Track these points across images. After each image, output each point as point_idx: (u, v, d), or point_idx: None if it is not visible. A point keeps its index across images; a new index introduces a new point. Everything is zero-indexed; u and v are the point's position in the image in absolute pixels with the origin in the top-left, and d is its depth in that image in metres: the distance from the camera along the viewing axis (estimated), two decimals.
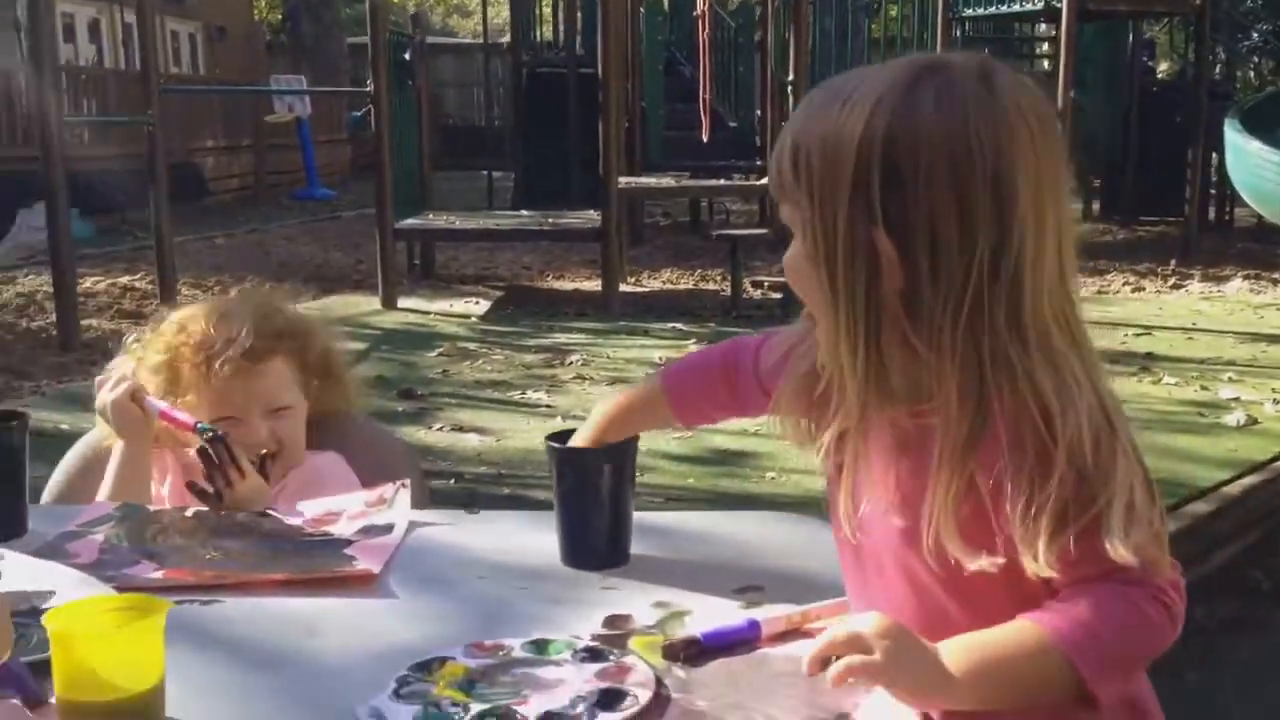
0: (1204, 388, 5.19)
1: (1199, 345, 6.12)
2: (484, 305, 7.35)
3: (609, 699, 1.04)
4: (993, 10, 10.15)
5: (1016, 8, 9.85)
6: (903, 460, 1.11)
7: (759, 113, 10.55)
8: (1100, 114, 11.10)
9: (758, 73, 10.57)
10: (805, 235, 1.08)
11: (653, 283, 8.38)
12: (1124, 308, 7.28)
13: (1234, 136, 8.69)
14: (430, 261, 8.54)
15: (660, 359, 5.52)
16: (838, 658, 1.01)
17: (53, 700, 1.00)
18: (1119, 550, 0.99)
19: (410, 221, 7.81)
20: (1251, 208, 9.40)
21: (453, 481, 3.91)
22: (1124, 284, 8.15)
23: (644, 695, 1.04)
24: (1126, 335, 6.30)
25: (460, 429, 4.52)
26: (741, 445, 4.19)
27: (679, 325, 6.61)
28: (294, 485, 1.73)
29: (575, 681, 1.07)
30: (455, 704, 1.03)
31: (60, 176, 5.95)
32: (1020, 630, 1.02)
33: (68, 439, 1.91)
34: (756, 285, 7.62)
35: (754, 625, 1.17)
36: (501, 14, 19.07)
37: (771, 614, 1.20)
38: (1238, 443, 4.38)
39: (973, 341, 1.03)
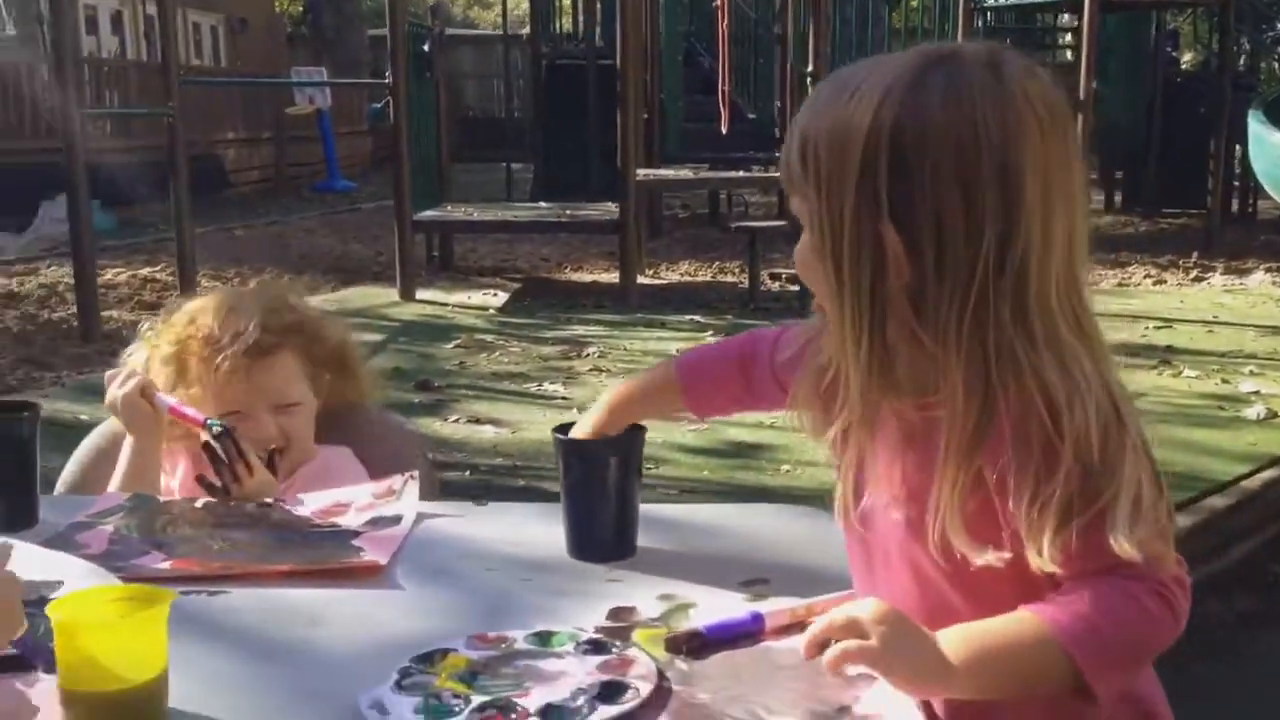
0: (1224, 381, 5.15)
1: (1220, 338, 6.07)
2: (502, 297, 7.36)
3: (610, 691, 1.04)
4: (1015, 0, 10.09)
5: None
6: (909, 453, 1.10)
7: (778, 104, 10.51)
8: (1123, 105, 11.01)
9: (777, 64, 10.54)
10: (812, 228, 1.07)
11: (671, 275, 8.38)
12: (1145, 300, 7.23)
13: (1257, 128, 8.62)
14: (449, 253, 8.56)
15: (677, 351, 5.50)
16: (836, 642, 1.01)
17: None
18: (1123, 545, 0.99)
19: (428, 213, 7.82)
20: (1275, 200, 9.33)
21: (468, 473, 3.91)
22: (1145, 276, 8.10)
23: (645, 688, 1.04)
24: (1147, 328, 6.26)
25: (476, 421, 4.53)
26: (757, 438, 4.18)
27: (696, 317, 6.60)
28: (303, 480, 1.74)
29: (577, 674, 1.07)
30: (456, 696, 1.04)
31: (81, 169, 5.98)
32: (1020, 621, 1.01)
33: (87, 429, 1.92)
34: (774, 277, 7.60)
35: (758, 618, 1.17)
36: (521, 5, 19.10)
37: (776, 607, 1.20)
38: (1258, 436, 4.35)
39: (979, 336, 1.02)
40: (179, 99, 6.52)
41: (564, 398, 4.88)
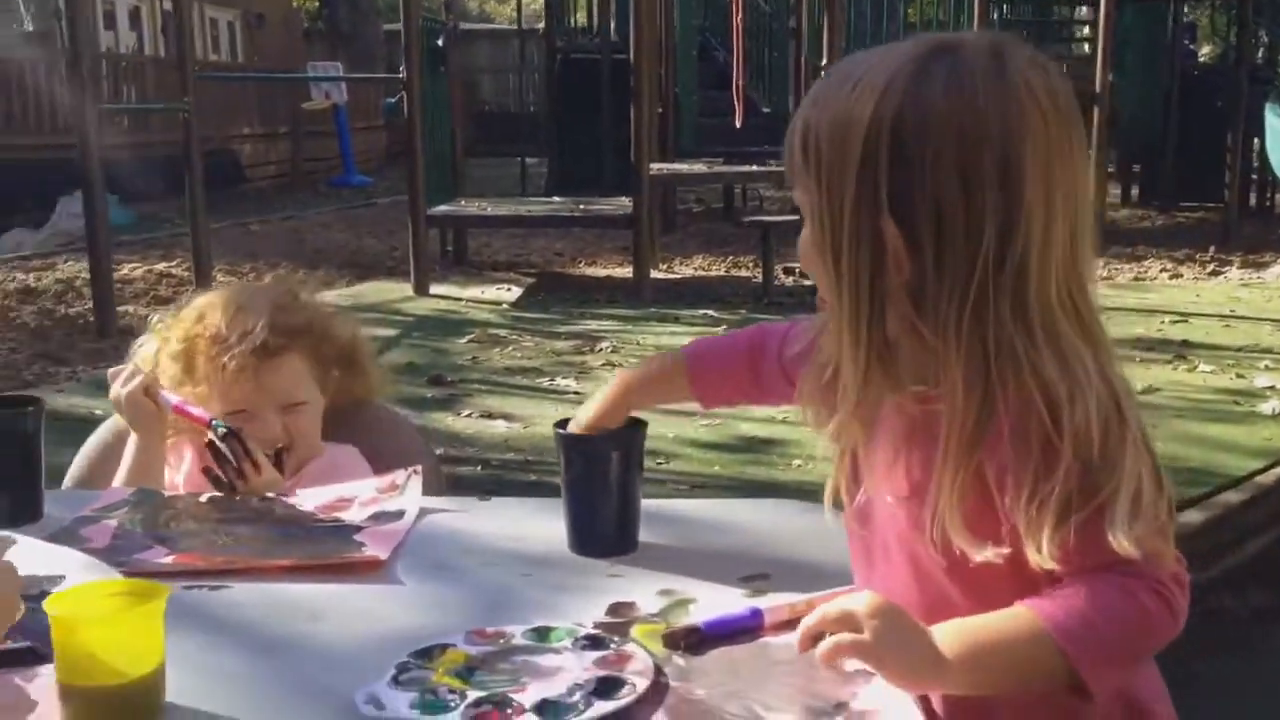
0: (1240, 375, 5.12)
1: (1236, 333, 6.04)
2: (515, 292, 7.36)
3: (606, 687, 1.03)
4: None
5: None
6: (911, 447, 1.10)
7: (793, 98, 10.48)
8: (1140, 98, 10.95)
9: (792, 58, 10.51)
10: (813, 220, 1.07)
11: (685, 269, 8.37)
12: (1161, 294, 7.19)
13: (1275, 121, 8.57)
14: (463, 248, 8.56)
15: None
16: (830, 635, 1.00)
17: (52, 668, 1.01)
18: (1121, 542, 0.98)
19: (442, 208, 7.83)
20: None
21: (479, 468, 3.92)
22: (1162, 270, 8.06)
23: (641, 684, 1.04)
24: (1163, 322, 6.23)
25: (489, 415, 4.54)
26: (770, 432, 4.18)
27: (710, 312, 6.59)
28: (309, 478, 1.73)
29: (574, 669, 1.07)
30: (452, 691, 1.04)
31: (96, 165, 6.01)
32: (1016, 616, 1.01)
33: (101, 424, 1.92)
34: (788, 272, 7.58)
35: (756, 614, 1.17)
36: (537, 0, 19.08)
37: (775, 602, 1.19)
38: (1273, 431, 4.32)
39: (978, 332, 1.01)
40: (195, 94, 6.54)
41: (576, 393, 4.88)
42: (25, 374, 5.39)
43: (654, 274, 7.49)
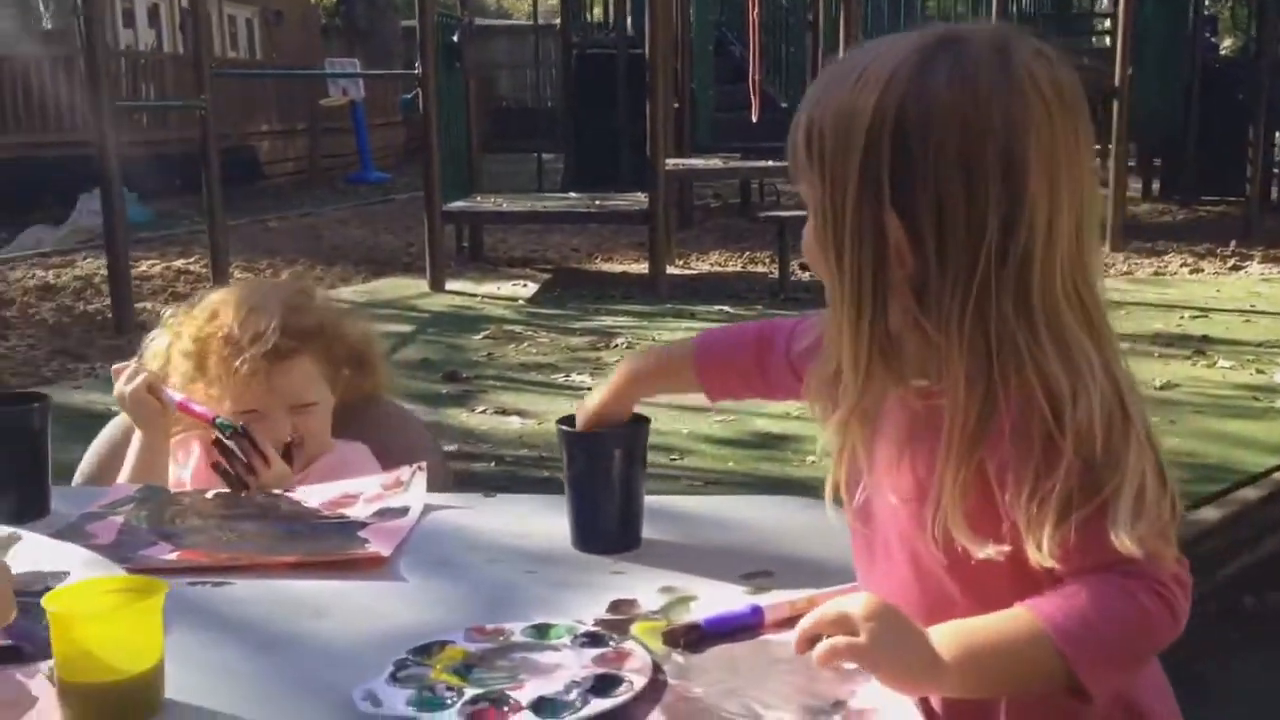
0: (1259, 371, 5.08)
1: (1256, 328, 5.99)
2: (531, 288, 7.37)
3: (604, 684, 1.03)
4: None
5: None
6: (914, 443, 1.09)
7: None
8: (1160, 91, 10.87)
9: (809, 52, 10.47)
10: (816, 214, 1.06)
11: (701, 265, 8.36)
12: (1181, 289, 7.15)
13: None
14: (479, 244, 8.58)
15: None
16: (826, 637, 1.00)
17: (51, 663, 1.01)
18: (1124, 540, 0.97)
19: (458, 204, 7.84)
20: None
21: (493, 464, 3.93)
22: (1182, 265, 8.00)
23: (639, 681, 1.03)
24: (1183, 317, 6.19)
25: (503, 412, 4.54)
26: (784, 428, 4.17)
27: (726, 308, 6.58)
28: (317, 474, 1.73)
29: (573, 666, 1.07)
30: (450, 688, 1.03)
31: (114, 163, 6.04)
32: (1014, 618, 1.00)
33: (111, 420, 1.93)
34: (805, 267, 7.54)
35: (757, 611, 1.16)
36: None
37: (776, 600, 1.19)
38: None
39: (981, 328, 1.00)
40: (212, 92, 6.57)
41: (590, 388, 4.87)
42: (44, 370, 5.42)
43: (670, 270, 7.49)
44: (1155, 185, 11.76)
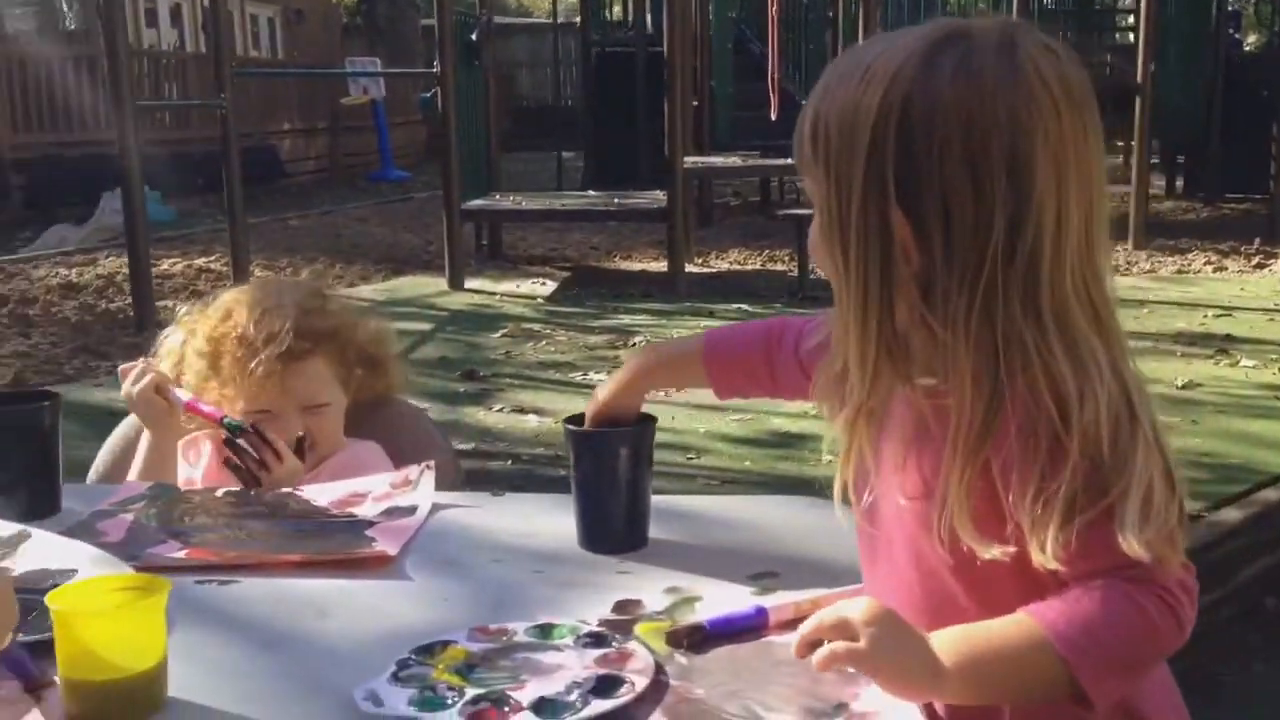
0: None
1: None
2: (550, 286, 7.37)
3: (605, 685, 1.03)
4: None
5: None
6: (920, 442, 1.08)
7: None
8: (1183, 88, 10.79)
9: (828, 50, 10.43)
10: (821, 211, 1.05)
11: (720, 263, 8.34)
12: (1205, 288, 7.08)
13: None
14: (498, 242, 8.59)
15: None
16: (826, 642, 0.99)
17: (55, 679, 1.01)
18: (1131, 544, 0.95)
19: (477, 202, 7.85)
20: None
21: (509, 463, 3.93)
22: (1206, 263, 7.93)
23: (641, 682, 1.03)
24: (1206, 316, 6.13)
25: (520, 410, 4.54)
26: (801, 427, 4.15)
27: (744, 306, 6.56)
28: (329, 473, 1.74)
29: (574, 667, 1.07)
30: (451, 688, 1.03)
31: (135, 162, 6.07)
32: (1017, 624, 0.99)
33: (125, 418, 1.94)
34: None
35: (761, 612, 1.16)
36: None
37: (781, 601, 1.18)
38: None
39: (988, 326, 0.99)
40: (233, 91, 6.59)
41: None
42: (66, 368, 5.46)
43: (689, 268, 7.47)
44: (1179, 183, 11.68)
